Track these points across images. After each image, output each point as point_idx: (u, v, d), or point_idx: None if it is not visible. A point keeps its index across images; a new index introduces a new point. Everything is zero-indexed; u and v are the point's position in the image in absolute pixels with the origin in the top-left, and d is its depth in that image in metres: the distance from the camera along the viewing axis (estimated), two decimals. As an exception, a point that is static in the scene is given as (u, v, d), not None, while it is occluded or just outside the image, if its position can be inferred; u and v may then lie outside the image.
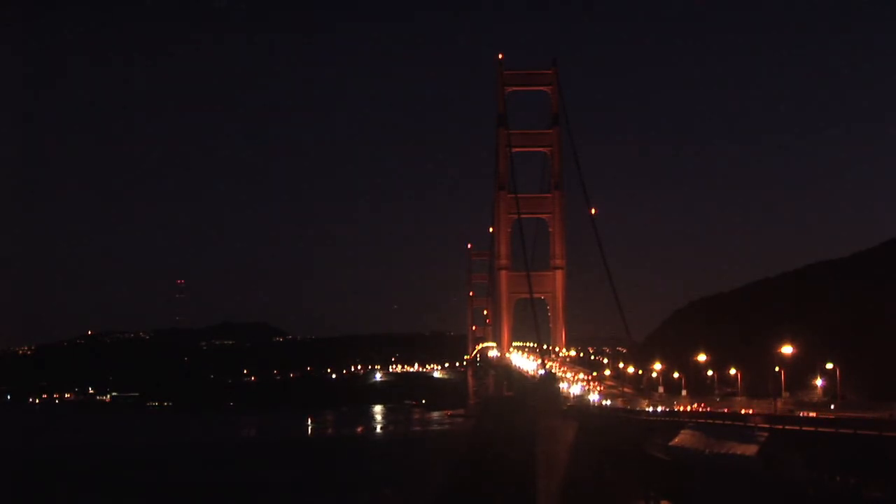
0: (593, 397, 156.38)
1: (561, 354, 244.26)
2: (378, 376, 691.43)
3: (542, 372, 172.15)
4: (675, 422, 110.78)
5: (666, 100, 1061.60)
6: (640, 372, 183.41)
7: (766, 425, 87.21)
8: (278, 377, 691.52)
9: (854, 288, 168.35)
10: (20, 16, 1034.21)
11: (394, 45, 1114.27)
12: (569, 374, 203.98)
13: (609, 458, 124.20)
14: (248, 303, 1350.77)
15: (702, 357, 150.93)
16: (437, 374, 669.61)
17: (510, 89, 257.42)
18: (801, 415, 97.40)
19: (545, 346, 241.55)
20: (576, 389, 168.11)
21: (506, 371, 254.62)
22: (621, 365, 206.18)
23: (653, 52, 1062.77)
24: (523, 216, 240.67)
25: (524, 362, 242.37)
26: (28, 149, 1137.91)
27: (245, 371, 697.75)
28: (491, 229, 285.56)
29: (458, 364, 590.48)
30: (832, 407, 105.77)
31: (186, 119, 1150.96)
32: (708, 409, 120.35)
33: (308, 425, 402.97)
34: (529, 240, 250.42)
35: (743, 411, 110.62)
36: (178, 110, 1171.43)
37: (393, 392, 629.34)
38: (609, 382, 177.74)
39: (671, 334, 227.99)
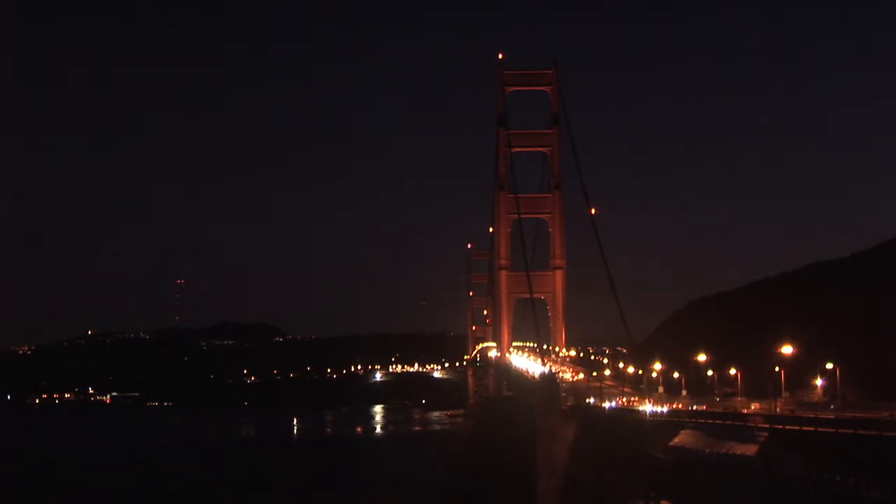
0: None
1: (561, 354, 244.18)
2: (378, 376, 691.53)
3: (542, 371, 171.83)
4: (675, 422, 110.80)
5: (666, 99, 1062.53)
6: (640, 372, 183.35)
7: (766, 425, 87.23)
8: (278, 377, 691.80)
9: (854, 288, 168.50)
10: (19, 16, 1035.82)
11: (394, 45, 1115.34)
12: (568, 375, 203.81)
13: (609, 458, 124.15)
14: (248, 303, 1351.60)
15: (702, 357, 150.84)
16: (437, 374, 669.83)
17: (510, 89, 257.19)
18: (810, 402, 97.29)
19: (545, 346, 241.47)
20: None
21: (506, 371, 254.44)
22: (621, 365, 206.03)
23: (653, 51, 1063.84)
24: (523, 216, 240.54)
25: (524, 362, 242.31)
26: (28, 149, 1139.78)
27: (245, 371, 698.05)
28: (491, 229, 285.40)
29: (458, 364, 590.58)
30: (832, 407, 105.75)
31: (186, 119, 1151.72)
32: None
33: (308, 425, 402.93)
34: (529, 240, 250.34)
35: (745, 410, 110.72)
36: (178, 111, 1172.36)
37: (393, 392, 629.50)
38: (609, 382, 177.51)
39: (671, 334, 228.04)
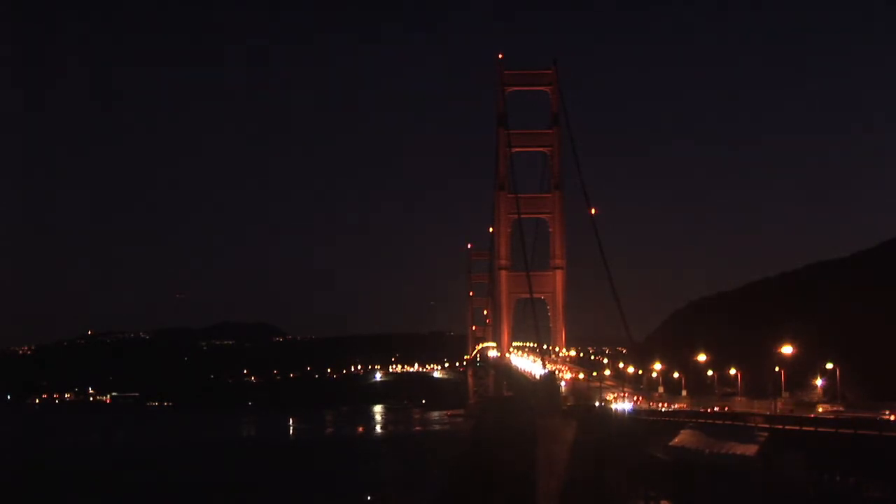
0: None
1: (561, 354, 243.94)
2: (378, 376, 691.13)
3: (543, 372, 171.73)
4: (675, 422, 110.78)
5: (666, 100, 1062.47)
6: (640, 372, 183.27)
7: (766, 425, 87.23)
8: (278, 377, 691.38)
9: (854, 288, 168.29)
10: (20, 18, 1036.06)
11: (394, 45, 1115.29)
12: (568, 375, 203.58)
13: (609, 458, 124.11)
14: (248, 303, 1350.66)
15: (702, 357, 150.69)
16: (437, 374, 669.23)
17: (510, 89, 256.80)
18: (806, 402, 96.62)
19: (545, 346, 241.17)
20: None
21: (506, 371, 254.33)
22: (621, 365, 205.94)
23: (653, 52, 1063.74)
24: (523, 216, 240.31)
25: (524, 362, 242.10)
26: (28, 150, 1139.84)
27: (245, 371, 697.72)
28: (491, 229, 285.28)
29: (458, 364, 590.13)
30: (832, 407, 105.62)
31: (187, 120, 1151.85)
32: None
33: (308, 425, 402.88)
34: (529, 240, 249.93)
35: (727, 409, 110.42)
36: (178, 111, 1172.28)
37: (393, 392, 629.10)
38: (609, 382, 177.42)
39: (671, 334, 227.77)
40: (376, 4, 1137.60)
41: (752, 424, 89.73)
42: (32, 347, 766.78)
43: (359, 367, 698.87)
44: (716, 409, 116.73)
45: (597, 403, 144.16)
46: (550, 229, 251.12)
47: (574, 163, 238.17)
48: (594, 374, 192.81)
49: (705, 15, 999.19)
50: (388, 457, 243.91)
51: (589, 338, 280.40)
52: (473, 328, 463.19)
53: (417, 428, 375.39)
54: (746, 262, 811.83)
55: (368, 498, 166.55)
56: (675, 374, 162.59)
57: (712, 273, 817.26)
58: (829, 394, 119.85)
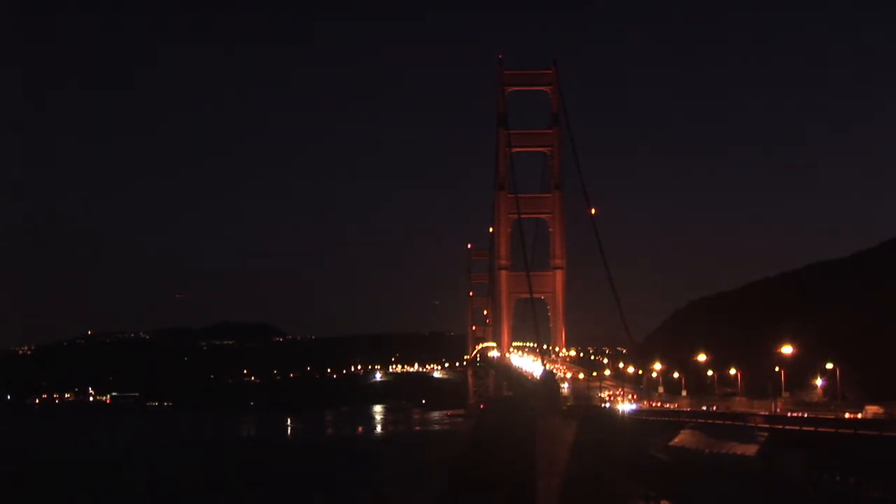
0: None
1: (561, 354, 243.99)
2: (378, 376, 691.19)
3: (542, 372, 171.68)
4: (675, 422, 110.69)
5: (666, 100, 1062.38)
6: (640, 372, 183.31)
7: (766, 425, 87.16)
8: (278, 377, 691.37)
9: (854, 288, 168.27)
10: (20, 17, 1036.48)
11: (394, 46, 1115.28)
12: (568, 374, 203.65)
13: (609, 458, 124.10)
14: (248, 303, 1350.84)
15: (702, 357, 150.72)
16: (437, 374, 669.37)
17: (510, 89, 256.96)
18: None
19: (545, 346, 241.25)
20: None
21: (505, 371, 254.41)
22: (621, 365, 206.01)
23: (653, 52, 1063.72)
24: (523, 216, 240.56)
25: (524, 362, 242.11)
26: (29, 151, 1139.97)
27: (245, 371, 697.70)
28: (491, 229, 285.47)
29: (458, 364, 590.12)
30: (832, 407, 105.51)
31: (187, 120, 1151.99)
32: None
33: (307, 426, 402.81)
34: (529, 240, 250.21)
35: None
36: (178, 111, 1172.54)
37: (393, 392, 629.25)
38: (609, 382, 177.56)
39: (671, 334, 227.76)
40: (376, 4, 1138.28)
41: (752, 424, 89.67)
42: (32, 347, 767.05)
43: (359, 367, 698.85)
44: (714, 408, 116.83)
45: (602, 404, 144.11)
46: (550, 229, 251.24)
47: (574, 163, 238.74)
48: (594, 374, 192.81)
49: (705, 15, 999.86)
50: (388, 457, 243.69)
51: (589, 338, 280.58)
52: (473, 328, 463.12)
53: (417, 428, 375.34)
54: (746, 262, 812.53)
55: (369, 498, 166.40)
56: (675, 374, 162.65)
57: (712, 273, 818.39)
58: (829, 394, 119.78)
